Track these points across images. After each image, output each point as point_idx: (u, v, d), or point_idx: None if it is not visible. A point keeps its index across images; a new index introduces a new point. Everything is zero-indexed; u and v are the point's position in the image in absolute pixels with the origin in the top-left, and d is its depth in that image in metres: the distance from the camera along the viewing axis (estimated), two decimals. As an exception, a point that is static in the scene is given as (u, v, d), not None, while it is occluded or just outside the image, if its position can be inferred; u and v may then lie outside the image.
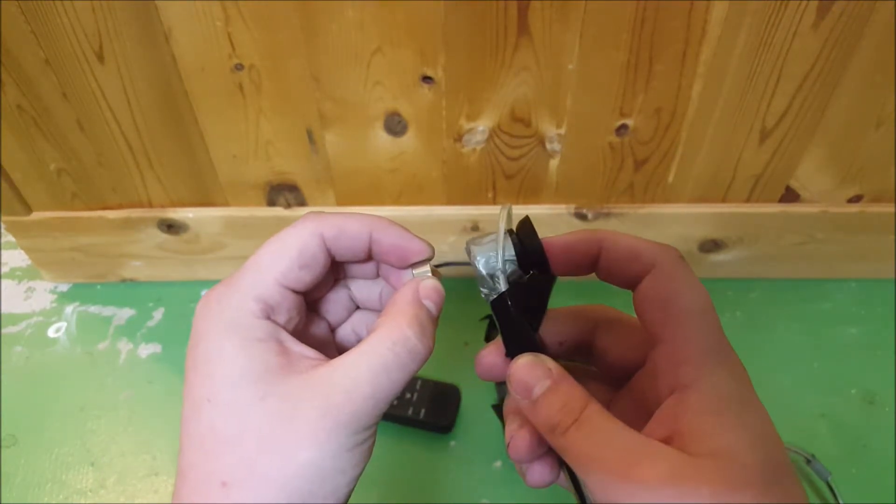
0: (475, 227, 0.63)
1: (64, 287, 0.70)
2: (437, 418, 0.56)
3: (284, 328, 0.26)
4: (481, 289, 0.28)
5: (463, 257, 0.29)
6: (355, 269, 0.31)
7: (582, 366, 0.32)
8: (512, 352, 0.28)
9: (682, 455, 0.22)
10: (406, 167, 0.58)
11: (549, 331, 0.31)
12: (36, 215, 0.62)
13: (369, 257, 0.29)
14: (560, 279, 0.28)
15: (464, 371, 0.60)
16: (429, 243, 0.28)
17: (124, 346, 0.64)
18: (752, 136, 0.55)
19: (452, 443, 0.56)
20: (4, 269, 0.72)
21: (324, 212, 0.28)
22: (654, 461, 0.22)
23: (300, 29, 0.48)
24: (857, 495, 0.52)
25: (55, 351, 0.64)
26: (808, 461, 0.53)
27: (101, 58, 0.50)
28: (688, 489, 0.21)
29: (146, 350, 0.64)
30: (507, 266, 0.27)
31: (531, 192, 0.61)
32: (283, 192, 0.61)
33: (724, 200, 0.61)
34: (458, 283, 0.46)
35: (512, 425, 0.28)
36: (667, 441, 0.23)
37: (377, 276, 0.31)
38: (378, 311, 0.32)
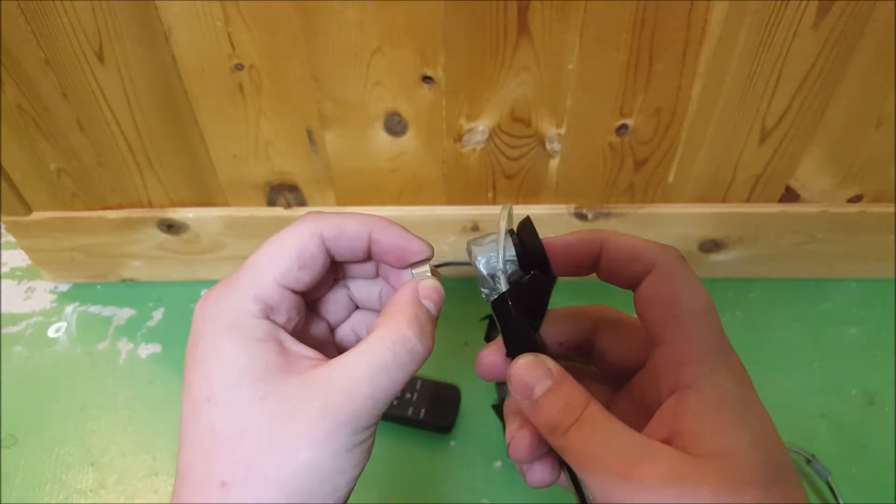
0: (475, 228, 0.63)
1: (64, 287, 0.70)
2: (437, 418, 0.56)
3: (284, 328, 0.26)
4: (482, 289, 0.28)
5: (463, 257, 0.29)
6: (355, 268, 0.31)
7: (582, 366, 0.32)
8: (512, 352, 0.28)
9: (683, 455, 0.22)
10: (406, 167, 0.58)
11: (550, 331, 0.31)
12: (36, 215, 0.62)
13: (369, 257, 0.29)
14: (560, 279, 0.28)
15: (464, 371, 0.60)
16: (428, 243, 0.28)
17: (124, 346, 0.64)
18: (752, 136, 0.55)
19: (452, 443, 0.56)
20: (4, 269, 0.72)
21: (323, 212, 0.28)
22: (655, 461, 0.22)
23: (300, 29, 0.48)
24: (857, 495, 0.52)
25: (55, 351, 0.64)
26: (808, 461, 0.53)
27: (101, 58, 0.50)
28: (688, 489, 0.21)
29: (146, 350, 0.64)
30: (507, 266, 0.27)
31: (531, 192, 0.61)
32: (283, 192, 0.61)
33: (724, 200, 0.61)
34: (458, 283, 0.46)
35: (512, 425, 0.28)
36: (667, 441, 0.23)
37: (377, 275, 0.31)
38: (377, 310, 0.32)
